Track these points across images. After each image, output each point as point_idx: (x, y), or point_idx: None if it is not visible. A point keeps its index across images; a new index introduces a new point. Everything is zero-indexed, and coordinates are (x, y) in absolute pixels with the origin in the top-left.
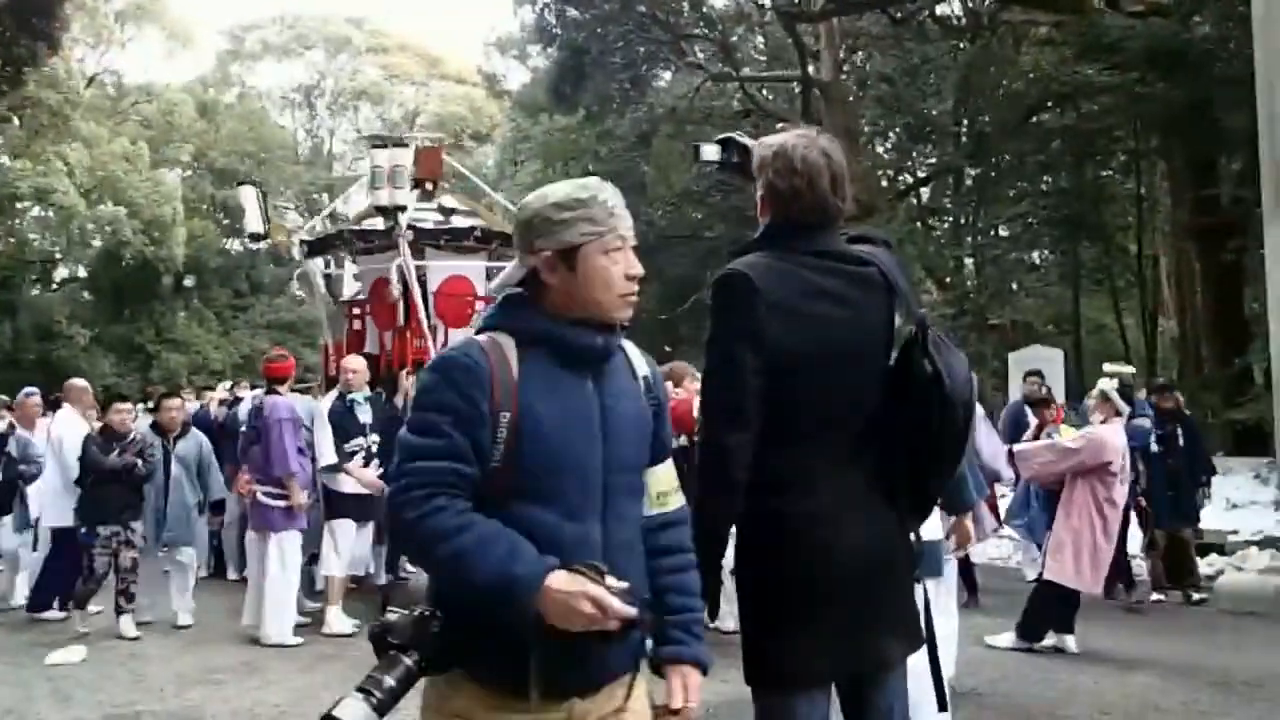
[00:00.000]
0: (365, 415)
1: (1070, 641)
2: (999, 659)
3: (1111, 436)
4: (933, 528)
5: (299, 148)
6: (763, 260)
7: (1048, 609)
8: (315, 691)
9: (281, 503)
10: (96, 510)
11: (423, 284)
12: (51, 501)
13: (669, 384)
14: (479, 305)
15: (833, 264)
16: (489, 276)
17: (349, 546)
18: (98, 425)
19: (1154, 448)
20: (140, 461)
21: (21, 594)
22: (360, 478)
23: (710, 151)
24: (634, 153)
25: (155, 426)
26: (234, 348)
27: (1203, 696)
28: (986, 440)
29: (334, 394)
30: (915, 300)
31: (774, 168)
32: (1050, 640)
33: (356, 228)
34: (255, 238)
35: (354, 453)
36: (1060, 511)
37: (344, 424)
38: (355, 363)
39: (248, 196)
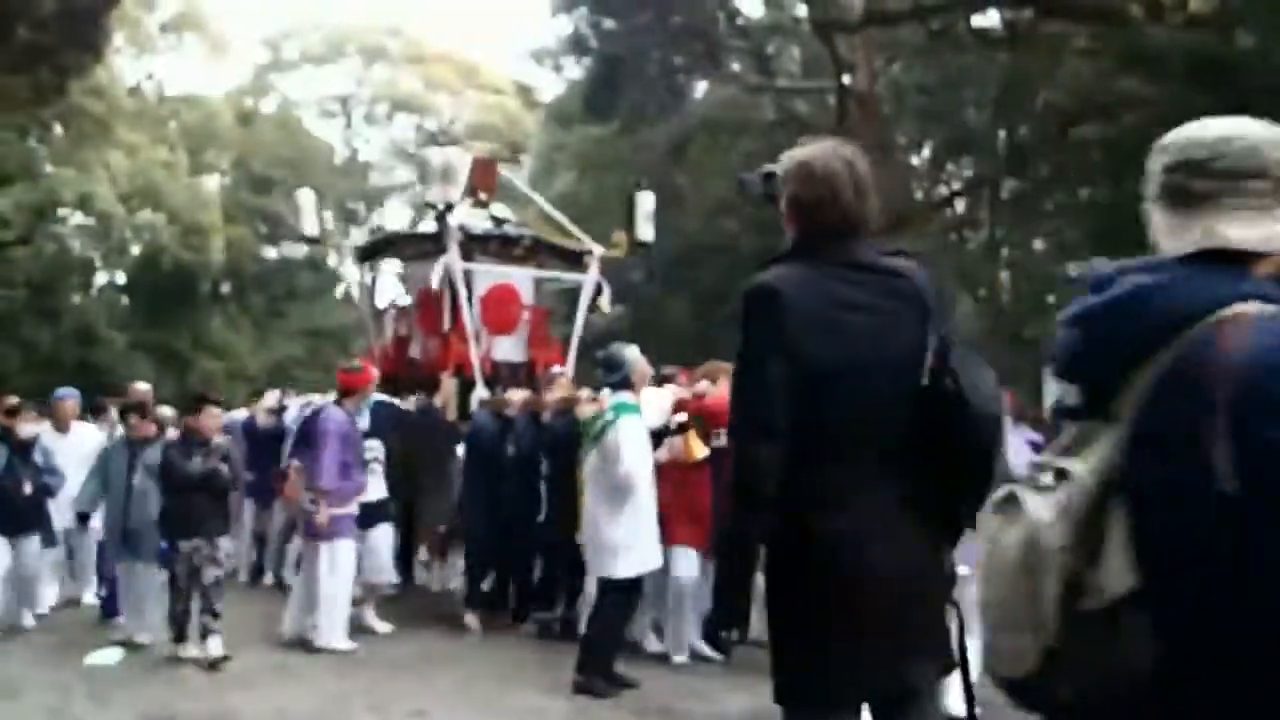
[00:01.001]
0: (362, 422)
1: None
2: None
3: None
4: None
5: (336, 156)
6: (791, 271)
7: None
8: (349, 694)
9: (332, 511)
10: (178, 523)
11: (468, 287)
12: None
13: (705, 381)
14: (525, 315)
15: (863, 275)
16: (537, 287)
17: (385, 552)
18: (172, 432)
19: None
20: (225, 468)
21: (46, 604)
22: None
23: (753, 183)
24: (668, 163)
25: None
26: (270, 354)
27: None
28: (1015, 454)
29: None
30: (943, 315)
31: (797, 178)
32: None
33: (407, 231)
34: (309, 240)
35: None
36: None
37: None
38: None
39: (306, 199)
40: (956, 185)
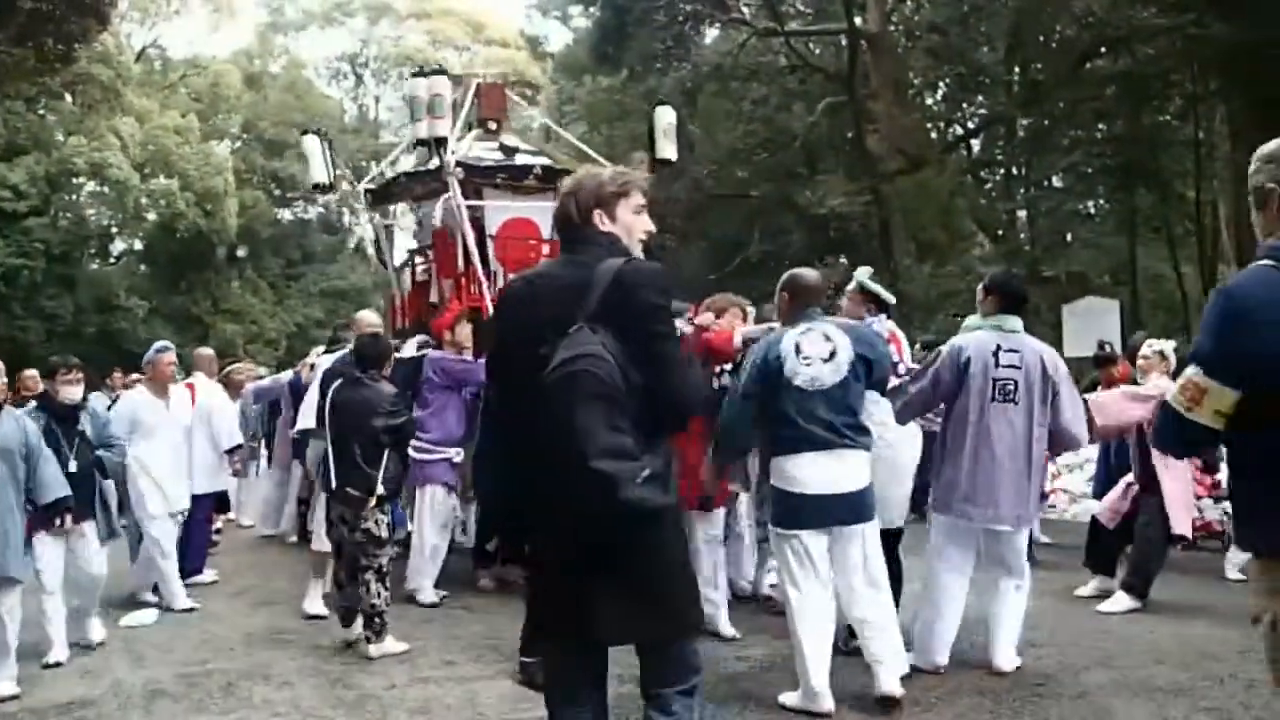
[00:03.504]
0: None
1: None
2: (1053, 610)
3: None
4: (862, 474)
5: (345, 116)
6: None
7: (1153, 562)
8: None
9: (429, 456)
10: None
11: (479, 226)
12: (202, 471)
13: (708, 314)
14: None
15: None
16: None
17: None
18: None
19: None
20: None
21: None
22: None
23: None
24: (679, 112)
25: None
26: (288, 316)
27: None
28: (1070, 403)
29: (340, 352)
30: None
31: None
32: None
33: (413, 170)
34: (320, 189)
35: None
36: (1157, 464)
37: None
38: (370, 317)
39: (312, 146)
40: (971, 124)
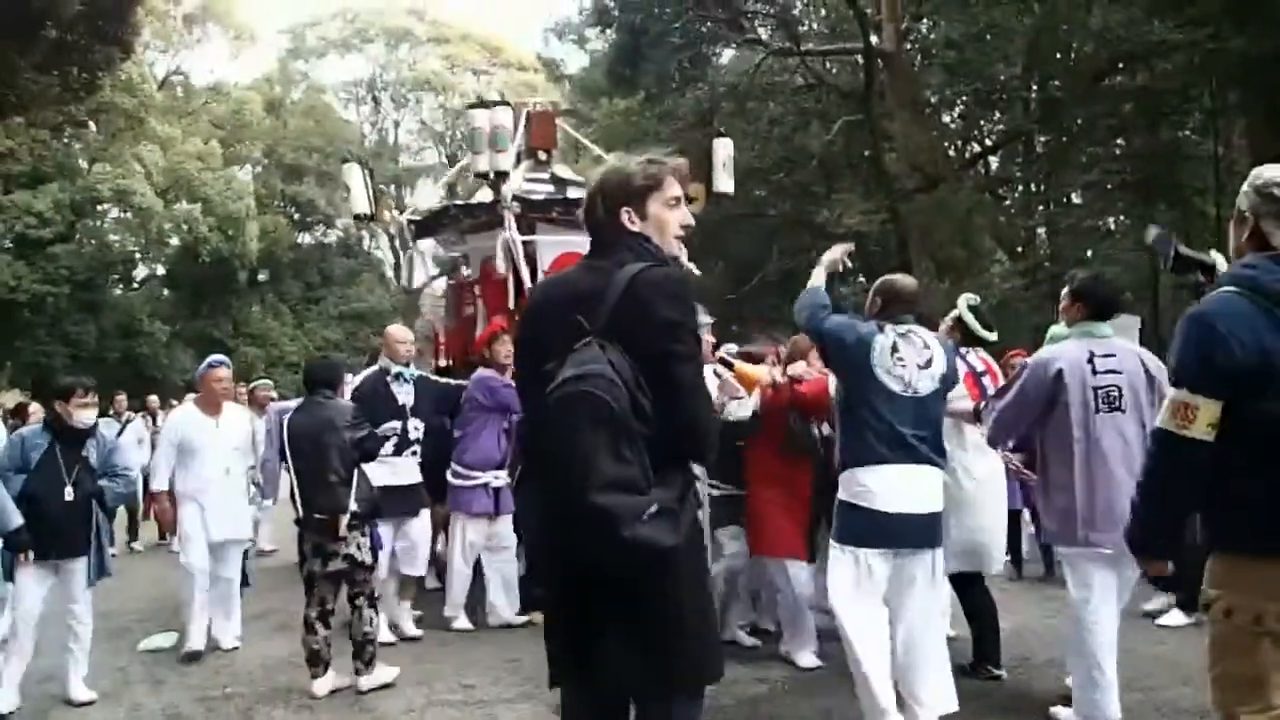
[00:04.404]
0: (405, 395)
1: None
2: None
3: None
4: (939, 495)
5: (365, 141)
6: None
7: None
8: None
9: (464, 482)
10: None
11: (533, 262)
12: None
13: (801, 363)
14: None
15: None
16: None
17: (423, 544)
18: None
19: None
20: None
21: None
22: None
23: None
24: (696, 132)
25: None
26: (308, 339)
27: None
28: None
29: (373, 368)
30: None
31: None
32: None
33: (464, 203)
34: (362, 219)
35: (385, 437)
36: None
37: (374, 403)
38: (401, 333)
39: (353, 175)
40: (989, 141)
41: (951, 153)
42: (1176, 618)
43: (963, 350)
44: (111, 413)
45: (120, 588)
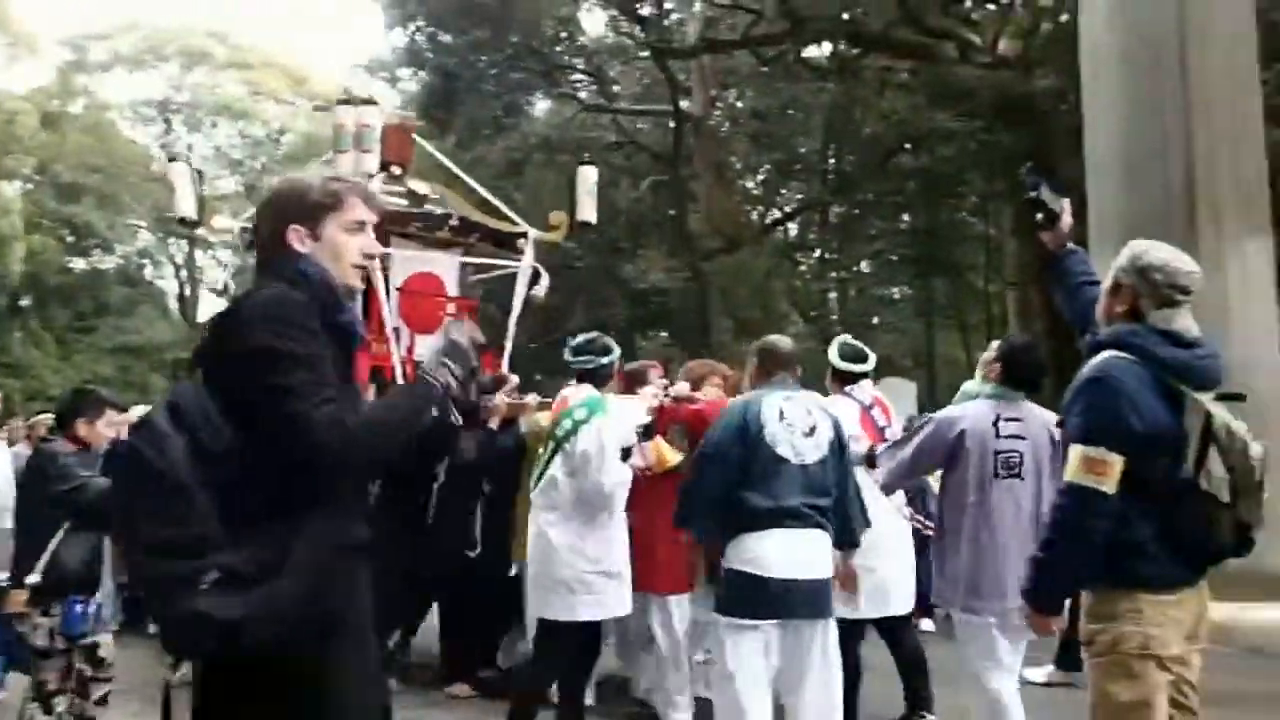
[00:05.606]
0: None
1: None
2: (1037, 696)
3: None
4: (828, 561)
5: (153, 164)
6: None
7: None
8: None
9: None
10: None
11: (385, 279)
12: None
13: (685, 384)
14: (450, 308)
15: None
16: (463, 275)
17: None
18: None
19: None
20: None
21: None
22: None
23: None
24: (506, 180)
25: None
26: (74, 372)
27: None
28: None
29: None
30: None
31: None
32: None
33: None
34: (187, 223)
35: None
36: None
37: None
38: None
39: (179, 174)
40: (788, 208)
41: (753, 217)
42: (1043, 673)
43: (848, 388)
44: None
45: None
